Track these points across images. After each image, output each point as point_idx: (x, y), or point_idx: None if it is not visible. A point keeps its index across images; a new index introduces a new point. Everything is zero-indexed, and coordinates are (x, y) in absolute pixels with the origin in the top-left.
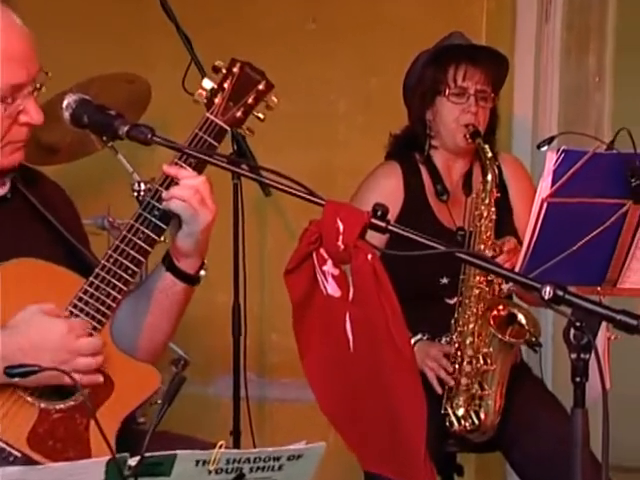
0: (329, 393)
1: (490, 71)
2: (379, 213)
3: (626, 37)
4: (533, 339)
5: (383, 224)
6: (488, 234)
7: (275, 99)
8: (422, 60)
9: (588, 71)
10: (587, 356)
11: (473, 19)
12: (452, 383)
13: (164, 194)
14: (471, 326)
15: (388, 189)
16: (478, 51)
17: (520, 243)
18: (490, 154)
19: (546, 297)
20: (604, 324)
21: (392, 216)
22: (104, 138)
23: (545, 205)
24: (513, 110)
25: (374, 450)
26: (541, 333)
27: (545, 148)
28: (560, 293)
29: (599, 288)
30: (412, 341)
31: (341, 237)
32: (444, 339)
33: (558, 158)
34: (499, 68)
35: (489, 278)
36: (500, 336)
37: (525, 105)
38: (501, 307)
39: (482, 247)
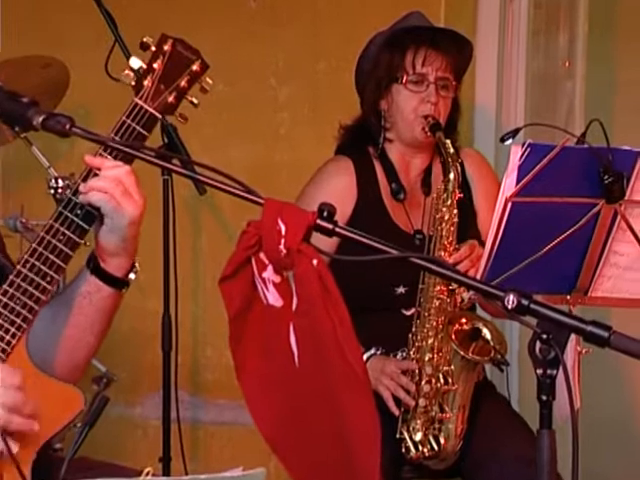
0: (270, 415)
1: (452, 57)
2: (325, 214)
3: (600, 16)
4: (499, 357)
5: (330, 226)
6: (450, 239)
7: (210, 81)
8: (377, 43)
9: (558, 55)
10: (554, 372)
11: (429, 6)
12: (413, 404)
13: (81, 187)
14: (430, 341)
15: (339, 187)
16: (440, 34)
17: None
18: (452, 150)
19: (509, 306)
20: (574, 337)
21: (344, 217)
22: (16, 129)
23: (509, 205)
24: (475, 99)
25: (321, 478)
26: (507, 350)
27: (509, 142)
28: (525, 302)
29: (568, 297)
30: (365, 356)
31: (283, 240)
32: (400, 354)
33: (523, 153)
34: (462, 53)
35: (451, 288)
36: (463, 353)
37: (488, 93)
38: (464, 320)
39: (443, 253)
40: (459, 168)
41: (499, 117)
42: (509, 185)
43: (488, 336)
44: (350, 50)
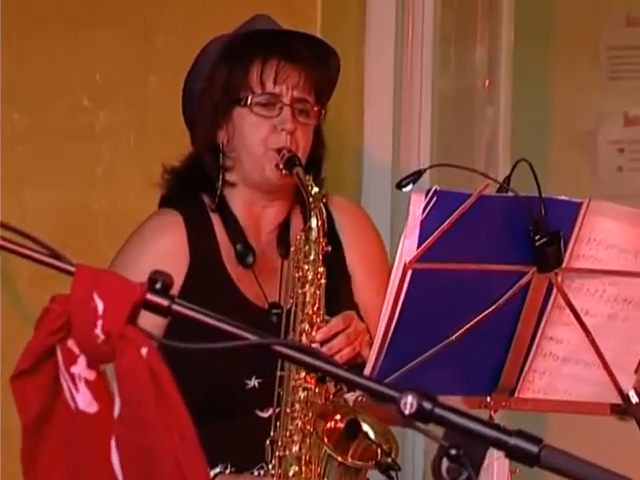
0: None
1: (313, 71)
2: (158, 286)
3: (530, 20)
4: (387, 460)
5: (165, 302)
6: (316, 307)
7: None
8: (211, 53)
9: (475, 71)
10: None
11: (305, 6)
12: None
13: None
14: (296, 448)
15: (164, 251)
16: (296, 41)
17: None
18: (315, 189)
19: (406, 411)
20: (497, 453)
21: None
22: None
23: (409, 273)
24: (363, 131)
25: None
26: (399, 449)
27: (409, 188)
28: (427, 406)
29: (489, 399)
30: (211, 475)
31: (100, 322)
32: (256, 471)
33: (428, 203)
34: (327, 67)
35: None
36: (340, 459)
37: (381, 123)
38: (339, 416)
39: (307, 326)
40: (324, 212)
41: (396, 155)
42: (409, 247)
43: (370, 433)
44: (191, 60)
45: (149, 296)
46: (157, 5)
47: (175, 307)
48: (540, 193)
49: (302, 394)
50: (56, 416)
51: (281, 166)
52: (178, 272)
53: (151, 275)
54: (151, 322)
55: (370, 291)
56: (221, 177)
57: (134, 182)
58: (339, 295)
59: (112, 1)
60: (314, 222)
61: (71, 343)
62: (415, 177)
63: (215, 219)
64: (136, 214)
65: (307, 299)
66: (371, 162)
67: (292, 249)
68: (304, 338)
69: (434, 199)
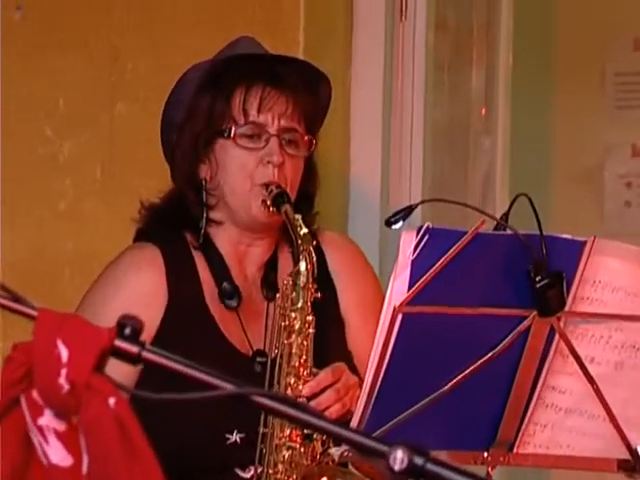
0: None
1: (302, 98)
2: (128, 331)
3: (530, 43)
4: None
5: (135, 349)
6: (303, 359)
7: None
8: (191, 80)
9: (471, 99)
10: None
11: (283, 15)
12: None
13: None
14: None
15: (140, 290)
16: (282, 65)
17: (357, 374)
18: (304, 230)
19: (396, 467)
20: None
21: (148, 332)
22: None
23: (399, 318)
24: (349, 162)
25: None
26: None
27: (399, 225)
28: (419, 461)
29: (486, 454)
30: None
31: (65, 371)
32: None
33: (419, 242)
34: (316, 94)
35: (306, 431)
36: None
37: (368, 154)
38: (325, 479)
39: (293, 380)
40: (314, 256)
41: (385, 189)
42: (399, 289)
43: None
44: (162, 86)
45: (117, 342)
46: (125, 27)
47: (146, 354)
48: (541, 231)
49: (286, 453)
50: (30, 473)
51: (268, 203)
52: (154, 314)
53: (120, 320)
54: (122, 370)
55: (366, 336)
56: (204, 214)
57: (101, 219)
58: (330, 344)
59: (76, 22)
60: (303, 266)
61: (35, 394)
62: (406, 213)
63: (198, 257)
64: (103, 254)
65: (294, 350)
66: (358, 196)
67: (278, 295)
68: (290, 392)
69: (426, 237)
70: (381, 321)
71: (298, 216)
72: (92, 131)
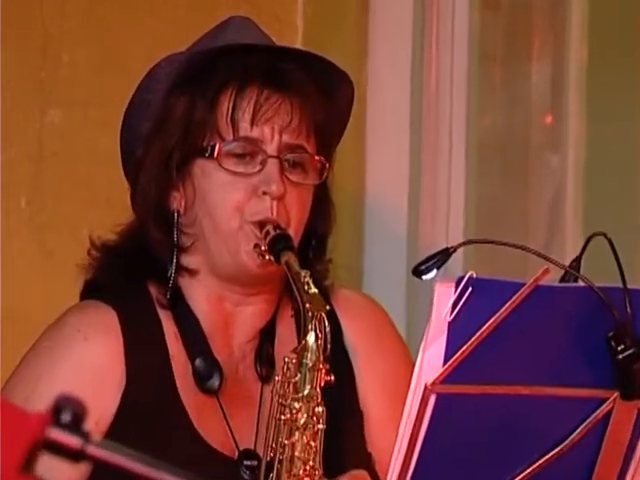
0: None
1: (313, 105)
2: (67, 417)
3: (610, 32)
4: None
5: (76, 441)
6: (309, 464)
7: None
8: (164, 78)
9: (531, 103)
10: None
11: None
12: None
13: None
14: None
15: (88, 363)
16: (286, 60)
17: None
18: (314, 290)
19: None
20: None
21: (101, 422)
22: None
23: (432, 399)
24: (364, 187)
25: None
26: None
27: (432, 275)
28: None
29: None
30: None
31: None
32: None
33: (460, 298)
34: (332, 98)
35: None
36: None
37: (390, 177)
38: None
39: None
40: (327, 325)
41: (413, 225)
42: (431, 361)
43: None
44: (111, 87)
45: (53, 433)
46: (61, 6)
47: (91, 449)
48: (624, 282)
49: None
50: None
51: (264, 248)
52: (108, 398)
53: (56, 402)
54: (63, 468)
55: (392, 433)
56: (175, 260)
57: (31, 261)
58: (345, 444)
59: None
60: (311, 339)
61: None
62: (441, 259)
63: (166, 320)
64: (38, 310)
65: (297, 453)
66: (376, 235)
67: (277, 378)
68: None
69: (468, 291)
70: (408, 403)
71: (305, 272)
72: (17, 146)
